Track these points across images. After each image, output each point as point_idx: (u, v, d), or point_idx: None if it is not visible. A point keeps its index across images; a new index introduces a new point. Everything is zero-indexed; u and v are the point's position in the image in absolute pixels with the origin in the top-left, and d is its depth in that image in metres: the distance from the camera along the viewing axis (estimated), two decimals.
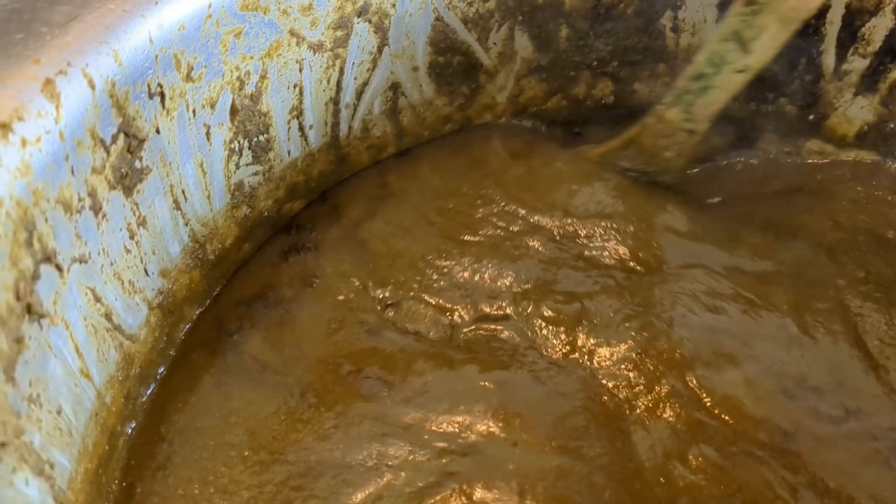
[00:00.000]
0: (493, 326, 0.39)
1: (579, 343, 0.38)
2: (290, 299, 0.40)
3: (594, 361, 0.37)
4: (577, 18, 0.47)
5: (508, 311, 0.39)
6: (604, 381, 0.36)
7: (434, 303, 0.40)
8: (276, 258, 0.42)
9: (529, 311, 0.38)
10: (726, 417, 0.35)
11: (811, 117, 0.49)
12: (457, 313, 0.39)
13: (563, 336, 0.38)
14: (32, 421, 0.26)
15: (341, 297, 0.40)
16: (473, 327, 0.39)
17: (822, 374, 0.37)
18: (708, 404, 0.35)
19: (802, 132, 0.49)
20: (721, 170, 0.49)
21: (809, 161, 0.49)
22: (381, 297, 0.40)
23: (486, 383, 0.36)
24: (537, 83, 0.49)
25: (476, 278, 0.40)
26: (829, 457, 0.34)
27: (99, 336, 0.32)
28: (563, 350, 0.38)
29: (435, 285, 0.40)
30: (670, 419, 0.35)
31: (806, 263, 0.42)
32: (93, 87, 0.30)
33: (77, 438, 0.30)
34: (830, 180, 0.48)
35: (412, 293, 0.40)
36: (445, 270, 0.41)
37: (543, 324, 0.38)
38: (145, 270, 0.35)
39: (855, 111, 0.48)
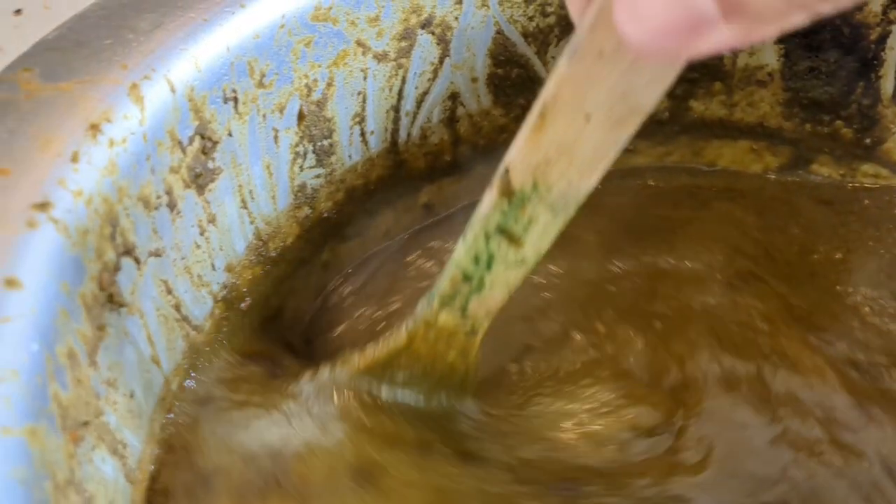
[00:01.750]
0: None
1: None
2: None
3: None
4: None
5: None
6: None
7: None
8: None
9: None
10: None
11: (867, 141, 0.49)
12: None
13: None
14: (109, 403, 0.28)
15: None
16: None
17: None
18: None
19: (858, 155, 0.49)
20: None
21: (862, 184, 0.50)
22: None
23: None
24: None
25: None
26: None
27: (168, 326, 0.34)
28: None
29: None
30: None
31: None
32: (173, 91, 0.32)
33: (146, 421, 0.32)
34: (878, 206, 0.48)
35: None
36: None
37: None
38: (212, 265, 0.37)
39: None
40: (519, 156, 0.25)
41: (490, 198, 0.27)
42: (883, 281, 0.43)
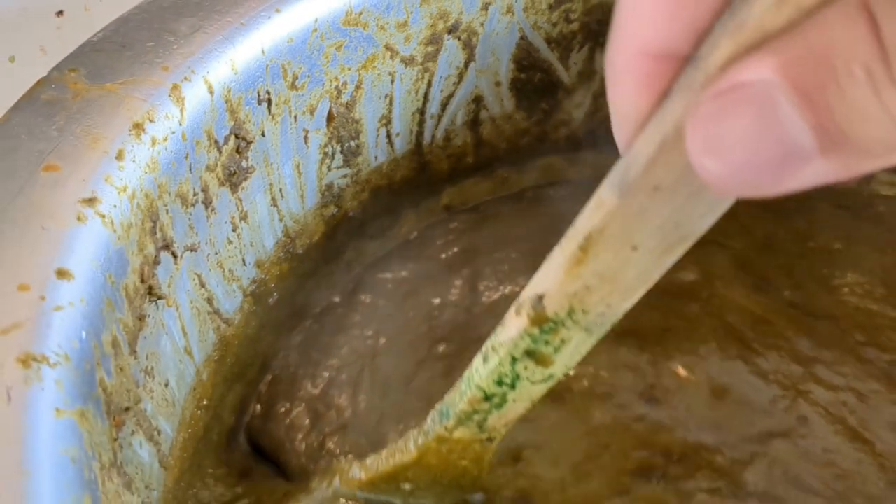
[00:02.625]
0: None
1: None
2: None
3: None
4: None
5: None
6: None
7: None
8: None
9: None
10: None
11: None
12: None
13: None
14: (147, 391, 0.29)
15: None
16: None
17: None
18: None
19: None
20: None
21: (875, 192, 0.50)
22: None
23: None
24: None
25: None
26: None
27: (201, 318, 0.35)
28: None
29: None
30: None
31: None
32: (211, 92, 0.33)
33: (178, 410, 0.33)
34: (893, 212, 0.48)
35: None
36: None
37: None
38: (243, 261, 0.38)
39: None
40: (555, 285, 0.23)
41: (519, 325, 0.25)
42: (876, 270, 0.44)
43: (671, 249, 0.21)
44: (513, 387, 0.26)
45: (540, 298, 0.24)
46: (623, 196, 0.20)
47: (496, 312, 0.41)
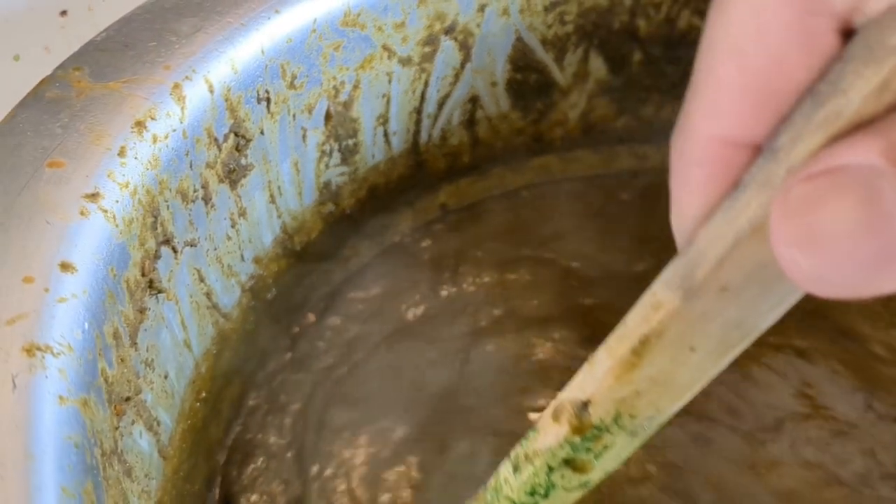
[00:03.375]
0: None
1: None
2: None
3: None
4: (650, 44, 0.49)
5: None
6: None
7: None
8: None
9: None
10: None
11: None
12: None
13: None
14: (147, 382, 0.30)
15: None
16: None
17: None
18: None
19: None
20: None
21: None
22: None
23: None
24: (608, 103, 0.51)
25: None
26: None
27: (200, 312, 0.36)
28: None
29: None
30: None
31: None
32: (212, 91, 0.34)
33: (178, 401, 0.34)
34: None
35: None
36: None
37: None
38: (242, 256, 0.39)
39: None
40: (602, 391, 0.21)
41: (558, 432, 0.23)
42: None
43: (731, 349, 0.19)
44: (546, 496, 0.25)
45: (585, 405, 0.22)
46: (686, 298, 0.18)
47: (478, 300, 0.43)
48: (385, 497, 0.36)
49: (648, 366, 0.20)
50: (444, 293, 0.44)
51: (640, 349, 0.20)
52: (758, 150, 0.16)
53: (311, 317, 0.44)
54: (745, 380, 0.40)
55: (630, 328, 0.20)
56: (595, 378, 0.21)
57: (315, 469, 0.37)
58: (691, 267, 0.18)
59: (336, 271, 0.46)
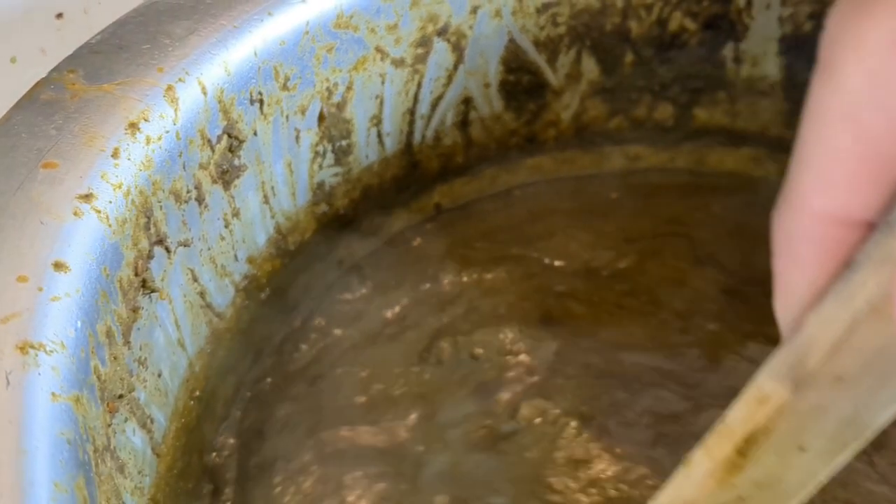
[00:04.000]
0: None
1: None
2: None
3: None
4: (642, 46, 0.50)
5: None
6: None
7: None
8: None
9: None
10: None
11: None
12: None
13: None
14: (140, 380, 0.31)
15: None
16: None
17: None
18: None
19: None
20: None
21: None
22: None
23: None
24: (601, 104, 0.52)
25: None
26: None
27: (194, 312, 0.36)
28: None
29: None
30: None
31: None
32: (205, 93, 0.34)
33: (171, 400, 0.34)
34: None
35: None
36: None
37: None
38: (235, 256, 0.39)
39: None
40: (701, 497, 0.19)
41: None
42: None
43: (844, 447, 0.17)
44: None
45: None
46: (796, 389, 0.17)
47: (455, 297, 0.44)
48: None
49: (753, 467, 0.18)
50: (426, 291, 0.45)
51: (745, 448, 0.18)
52: (872, 226, 0.15)
53: (303, 317, 0.44)
54: (709, 366, 0.41)
55: (732, 425, 0.18)
56: (693, 483, 0.19)
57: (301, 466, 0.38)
58: (801, 355, 0.17)
59: (330, 271, 0.46)
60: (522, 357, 0.42)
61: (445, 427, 0.39)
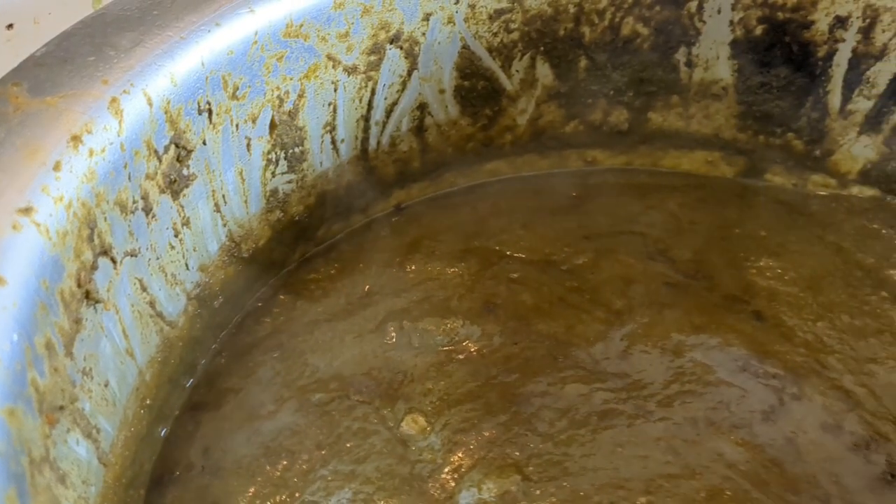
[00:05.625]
0: None
1: None
2: None
3: None
4: (595, 51, 0.50)
5: None
6: None
7: None
8: None
9: None
10: None
11: (817, 152, 0.52)
12: None
13: None
14: (84, 391, 0.31)
15: None
16: None
17: None
18: None
19: (808, 166, 0.52)
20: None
21: (811, 193, 0.52)
22: None
23: None
24: (556, 109, 0.52)
25: None
26: None
27: (143, 321, 0.36)
28: None
29: None
30: None
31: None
32: (150, 104, 0.35)
33: (120, 409, 0.35)
34: (824, 212, 0.51)
35: None
36: None
37: None
38: (186, 265, 0.39)
39: (859, 149, 0.50)
40: None
41: None
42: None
43: None
44: None
45: None
46: None
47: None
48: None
49: None
50: (390, 276, 0.46)
51: None
52: None
53: (257, 324, 0.44)
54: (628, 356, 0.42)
55: None
56: None
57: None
58: None
59: (286, 278, 0.46)
60: (458, 345, 0.43)
61: None
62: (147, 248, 0.36)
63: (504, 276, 0.46)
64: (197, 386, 0.41)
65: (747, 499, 0.36)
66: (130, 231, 0.34)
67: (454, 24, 0.47)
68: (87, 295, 0.31)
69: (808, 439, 0.38)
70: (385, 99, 0.47)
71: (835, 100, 0.49)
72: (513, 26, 0.49)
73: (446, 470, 0.38)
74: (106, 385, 0.33)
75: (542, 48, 0.50)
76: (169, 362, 0.39)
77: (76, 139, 0.31)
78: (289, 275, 0.47)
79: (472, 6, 0.47)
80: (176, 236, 0.38)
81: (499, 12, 0.48)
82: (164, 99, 0.35)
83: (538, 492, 0.37)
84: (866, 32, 0.47)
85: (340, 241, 0.49)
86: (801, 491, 0.36)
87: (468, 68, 0.49)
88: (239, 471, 0.38)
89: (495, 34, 0.49)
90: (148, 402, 0.37)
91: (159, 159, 0.36)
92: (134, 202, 0.34)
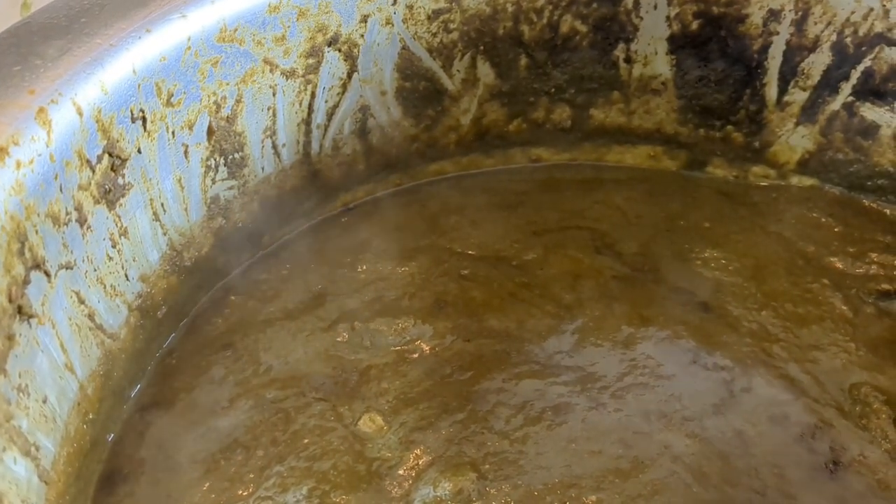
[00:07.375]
0: None
1: None
2: None
3: None
4: (535, 49, 0.51)
5: None
6: None
7: None
8: None
9: None
10: None
11: (756, 144, 0.52)
12: None
13: None
14: (21, 408, 0.30)
15: None
16: None
17: None
18: None
19: (748, 157, 0.53)
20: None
21: (752, 184, 0.53)
22: None
23: None
24: (499, 107, 0.53)
25: None
26: None
27: (82, 334, 0.36)
28: None
29: None
30: None
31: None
32: (80, 113, 0.34)
33: (60, 425, 0.34)
34: (765, 202, 0.52)
35: None
36: None
37: None
38: (126, 276, 0.39)
39: (796, 140, 0.51)
40: None
41: None
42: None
43: None
44: None
45: None
46: None
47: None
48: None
49: None
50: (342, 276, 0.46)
51: None
52: None
53: (208, 324, 0.44)
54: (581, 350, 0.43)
55: None
56: None
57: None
58: None
59: (231, 284, 0.46)
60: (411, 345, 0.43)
61: None
62: (83, 260, 0.35)
63: (455, 273, 0.47)
64: (147, 387, 0.41)
65: (688, 493, 0.36)
66: (64, 243, 0.34)
67: (393, 25, 0.47)
68: (20, 310, 0.30)
69: (756, 431, 0.39)
70: (326, 102, 0.47)
71: (771, 92, 0.50)
72: (452, 26, 0.49)
73: (403, 468, 0.38)
74: (44, 401, 0.32)
75: (482, 47, 0.50)
76: (112, 375, 0.38)
77: (2, 151, 0.30)
78: (240, 275, 0.47)
79: (410, 7, 0.47)
80: (114, 247, 0.37)
81: (437, 12, 0.48)
82: (95, 107, 0.34)
83: (493, 490, 0.37)
84: (799, 25, 0.48)
85: (291, 242, 0.49)
86: (739, 484, 0.37)
87: (409, 69, 0.49)
88: (194, 465, 0.37)
89: (434, 34, 0.49)
90: (91, 416, 0.36)
91: (92, 169, 0.35)
92: (67, 214, 0.34)
